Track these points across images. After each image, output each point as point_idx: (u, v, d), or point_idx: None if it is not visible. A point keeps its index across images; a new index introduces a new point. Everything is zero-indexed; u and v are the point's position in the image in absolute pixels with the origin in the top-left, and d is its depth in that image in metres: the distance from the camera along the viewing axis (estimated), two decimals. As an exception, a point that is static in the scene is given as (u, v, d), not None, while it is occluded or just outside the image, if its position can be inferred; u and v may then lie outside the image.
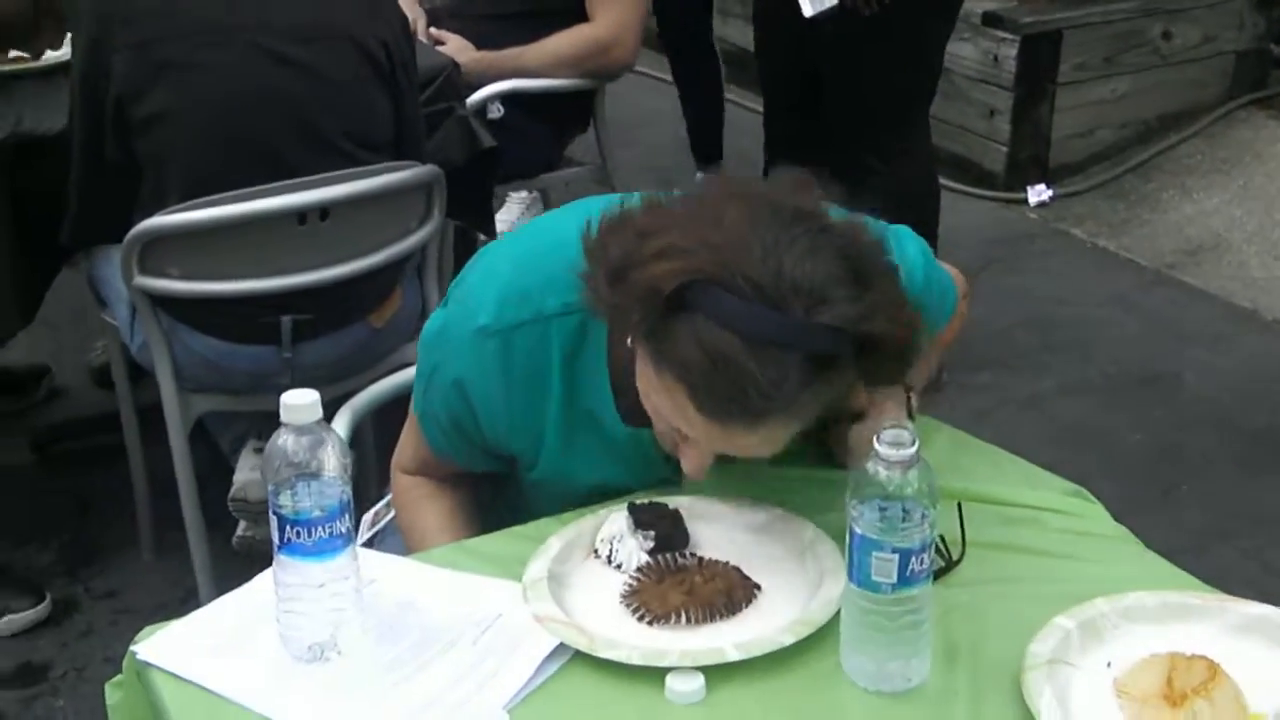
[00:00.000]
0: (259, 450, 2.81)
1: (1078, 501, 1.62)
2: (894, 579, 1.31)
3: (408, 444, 1.78)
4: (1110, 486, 1.65)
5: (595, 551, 1.55)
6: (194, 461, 2.78)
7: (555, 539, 1.55)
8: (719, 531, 1.57)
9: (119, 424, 3.04)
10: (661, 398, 1.41)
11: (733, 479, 1.65)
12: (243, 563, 2.71)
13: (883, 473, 1.30)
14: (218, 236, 2.54)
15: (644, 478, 1.65)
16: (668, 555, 1.51)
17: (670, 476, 1.62)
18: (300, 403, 1.37)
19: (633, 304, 1.38)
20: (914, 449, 1.29)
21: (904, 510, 1.29)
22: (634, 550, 1.52)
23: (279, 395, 2.74)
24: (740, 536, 1.56)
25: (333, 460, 1.39)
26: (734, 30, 5.80)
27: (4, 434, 3.49)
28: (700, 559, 1.50)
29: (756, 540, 1.55)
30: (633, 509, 1.56)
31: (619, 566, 1.52)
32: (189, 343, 2.65)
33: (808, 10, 3.20)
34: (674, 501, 1.58)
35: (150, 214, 2.54)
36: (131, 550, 3.11)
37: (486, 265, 1.63)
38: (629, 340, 1.44)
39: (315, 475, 1.38)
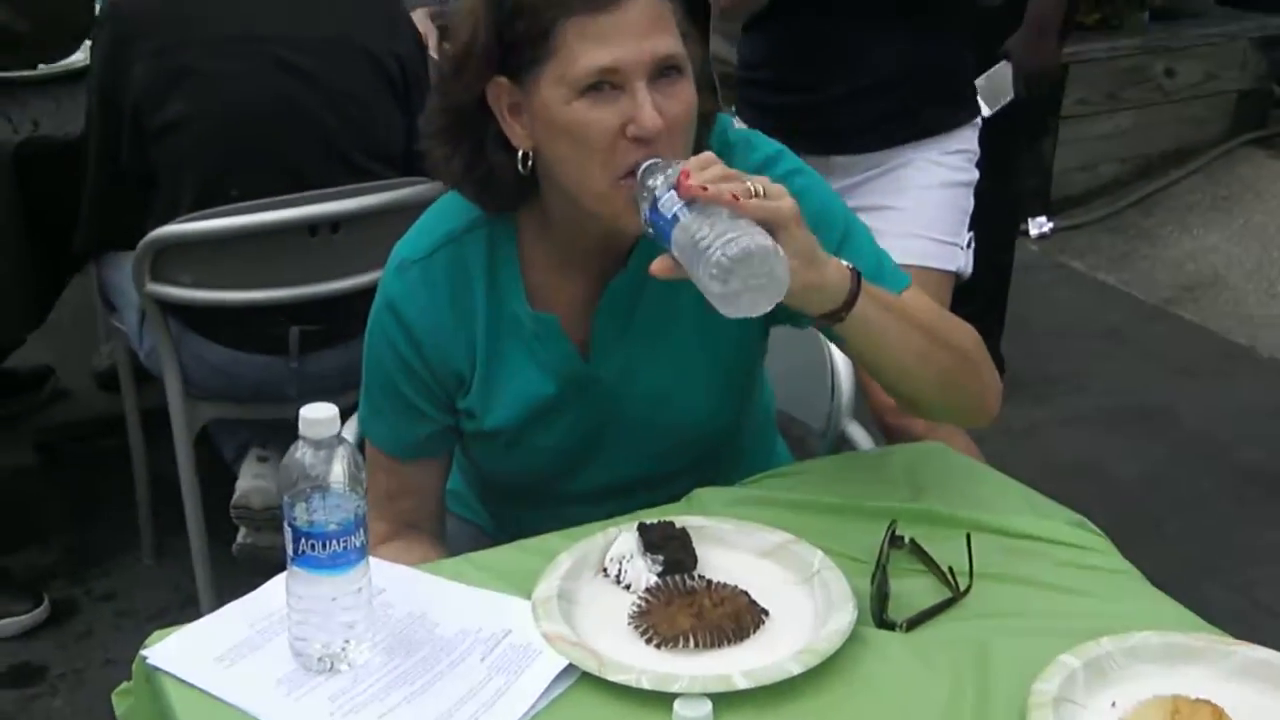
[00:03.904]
0: (262, 459, 2.83)
1: (1082, 533, 1.63)
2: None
3: (372, 503, 1.79)
4: (1103, 518, 1.67)
5: (604, 570, 1.56)
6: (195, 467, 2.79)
7: (565, 556, 1.56)
8: (727, 554, 1.58)
9: (122, 427, 3.07)
10: (571, 65, 1.51)
11: (741, 504, 1.68)
12: (243, 569, 2.74)
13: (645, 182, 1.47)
14: (230, 246, 2.57)
15: (559, 370, 1.71)
16: (677, 577, 1.53)
17: (578, 369, 1.71)
18: (319, 417, 1.39)
19: (485, 31, 1.54)
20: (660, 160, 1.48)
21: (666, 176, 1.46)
22: (643, 571, 1.54)
23: (285, 404, 2.78)
24: (748, 560, 1.57)
25: (348, 474, 1.40)
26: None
27: (7, 435, 3.50)
28: (709, 582, 1.52)
29: (764, 565, 1.57)
30: (642, 529, 1.58)
31: (628, 586, 1.53)
32: (197, 350, 2.67)
33: (985, 110, 3.21)
34: (683, 521, 1.60)
35: (163, 221, 2.56)
36: (132, 554, 3.13)
37: None
38: (518, 230, 1.64)
39: (331, 489, 1.40)
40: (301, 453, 1.40)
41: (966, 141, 2.64)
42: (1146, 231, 4.97)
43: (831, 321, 1.55)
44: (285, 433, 2.82)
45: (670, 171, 1.47)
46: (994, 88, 3.19)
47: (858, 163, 2.61)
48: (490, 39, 1.55)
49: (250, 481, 2.78)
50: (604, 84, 1.51)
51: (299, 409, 1.41)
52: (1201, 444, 3.74)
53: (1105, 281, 4.71)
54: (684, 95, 1.55)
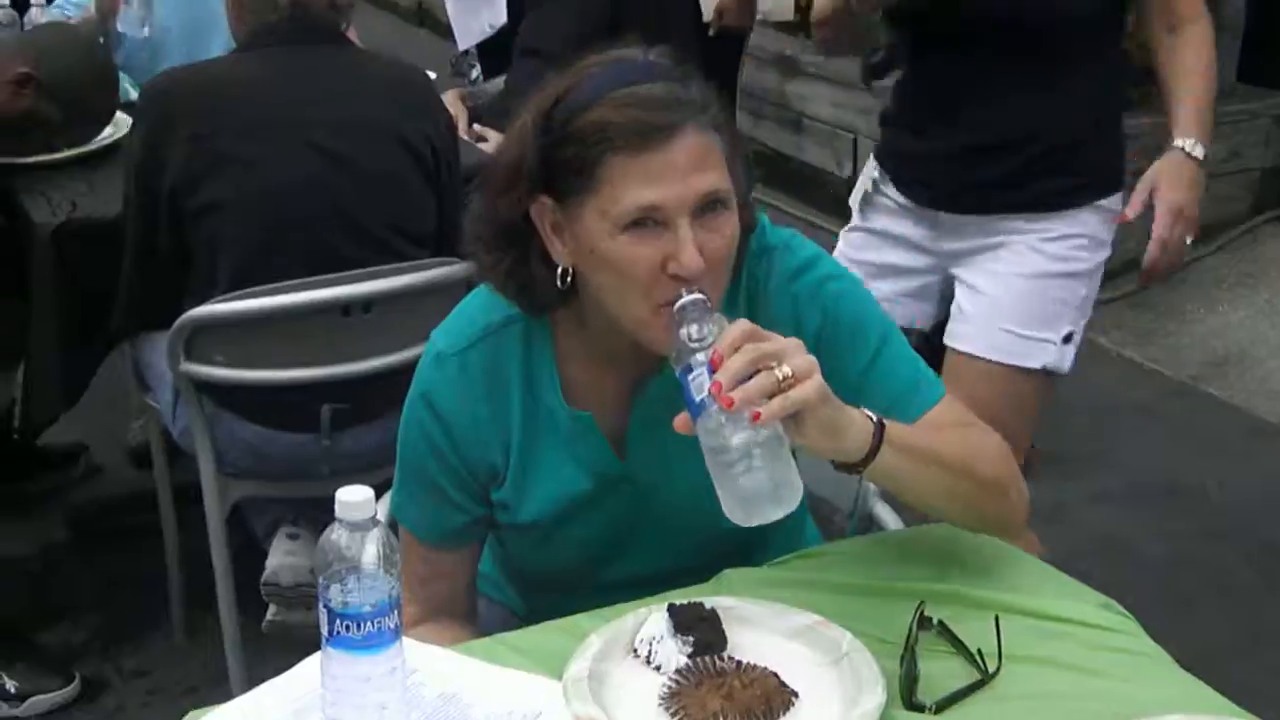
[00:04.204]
0: (292, 536, 2.84)
1: (1110, 615, 1.63)
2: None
3: (403, 586, 1.82)
4: (1131, 597, 1.67)
5: (635, 651, 1.57)
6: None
7: (595, 637, 1.58)
8: (757, 635, 1.59)
9: (153, 504, 3.09)
10: (614, 203, 1.53)
11: (770, 585, 1.69)
12: (273, 646, 2.75)
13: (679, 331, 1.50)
14: (264, 326, 2.60)
15: (594, 467, 1.73)
16: (707, 658, 1.54)
17: (612, 466, 1.73)
18: (355, 499, 1.41)
19: (520, 187, 1.58)
20: (699, 296, 1.50)
21: (700, 336, 1.48)
22: (673, 652, 1.55)
23: (316, 482, 2.80)
24: (778, 642, 1.58)
25: (383, 556, 1.42)
26: (766, 132, 5.89)
27: (40, 512, 3.53)
28: (739, 663, 1.53)
29: (793, 646, 1.57)
30: (672, 610, 1.59)
31: (658, 667, 1.54)
32: (231, 428, 2.70)
33: None
34: (713, 603, 1.61)
35: (199, 302, 2.60)
36: (163, 630, 3.14)
37: None
38: (555, 326, 1.68)
39: (365, 570, 1.41)
40: (337, 534, 1.41)
41: (1085, 225, 2.46)
42: (1172, 308, 4.98)
43: (850, 471, 1.57)
44: (316, 510, 2.86)
45: (705, 335, 1.49)
46: None
47: (963, 226, 2.48)
48: (537, 162, 1.57)
49: (280, 559, 2.80)
50: (647, 220, 1.53)
51: (330, 486, 1.44)
52: (1229, 521, 3.72)
53: (1131, 358, 4.71)
54: (727, 229, 1.57)
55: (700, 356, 1.47)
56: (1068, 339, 2.46)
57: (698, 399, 1.46)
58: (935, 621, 1.59)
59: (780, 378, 1.43)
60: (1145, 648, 1.59)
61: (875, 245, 2.64)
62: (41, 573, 3.34)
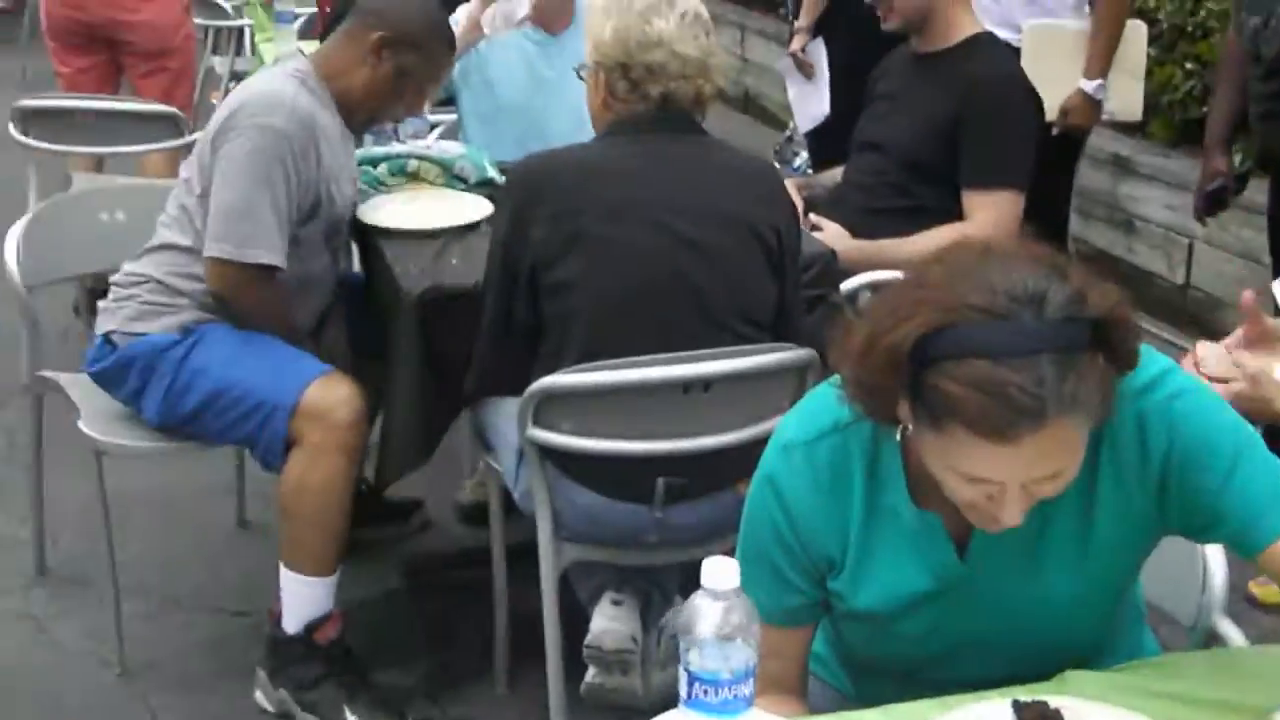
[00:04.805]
0: (616, 602, 2.94)
1: None
2: None
3: None
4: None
5: (976, 744, 1.60)
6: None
7: (938, 723, 1.60)
8: (1101, 739, 1.59)
9: (483, 560, 3.22)
10: (952, 456, 1.55)
11: (1114, 690, 1.68)
12: (588, 708, 2.85)
13: None
14: (609, 398, 2.72)
15: (935, 567, 1.75)
16: (1049, 757, 1.54)
17: (953, 568, 1.75)
18: (722, 570, 1.48)
19: (887, 378, 1.57)
20: None
21: None
22: (1016, 748, 1.56)
23: (644, 551, 2.88)
24: (1123, 747, 1.58)
25: (744, 625, 1.49)
26: (1095, 233, 5.80)
27: (379, 559, 3.73)
28: (1083, 765, 1.53)
29: (1139, 753, 1.57)
30: (1017, 706, 1.60)
31: (1000, 761, 1.56)
32: (569, 494, 2.82)
33: None
34: (1057, 703, 1.62)
35: (548, 371, 2.73)
36: (486, 681, 3.26)
37: None
38: (904, 429, 1.65)
39: (726, 638, 1.48)
40: (702, 601, 1.49)
41: None
42: None
43: None
44: (639, 578, 2.94)
45: None
46: None
47: None
48: (905, 366, 1.56)
49: (604, 623, 2.88)
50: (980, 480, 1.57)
51: (657, 556, 1.50)
52: None
53: None
54: (1060, 483, 1.59)
55: None
56: None
57: None
58: (1287, 743, 1.56)
59: None
60: None
61: None
62: (378, 617, 3.52)
